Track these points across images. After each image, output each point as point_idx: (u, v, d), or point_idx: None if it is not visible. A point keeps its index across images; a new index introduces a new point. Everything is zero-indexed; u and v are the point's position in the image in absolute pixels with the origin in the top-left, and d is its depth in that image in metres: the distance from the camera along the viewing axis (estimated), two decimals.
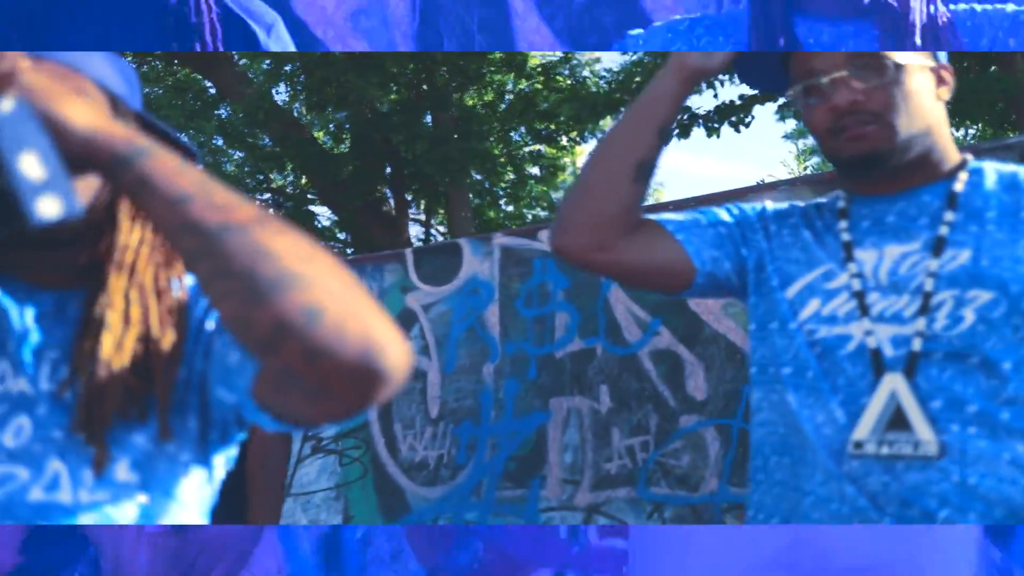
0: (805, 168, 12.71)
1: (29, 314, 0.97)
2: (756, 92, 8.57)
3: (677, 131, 8.73)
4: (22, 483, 0.92)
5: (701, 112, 8.62)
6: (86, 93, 0.96)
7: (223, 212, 0.79)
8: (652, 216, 1.50)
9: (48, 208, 0.75)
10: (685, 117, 8.80)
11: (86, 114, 0.82)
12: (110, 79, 1.00)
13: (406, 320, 4.43)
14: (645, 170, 1.42)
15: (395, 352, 0.78)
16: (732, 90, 17.08)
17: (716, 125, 8.51)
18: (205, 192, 0.81)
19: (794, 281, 1.41)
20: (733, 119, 8.53)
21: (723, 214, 1.51)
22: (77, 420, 0.94)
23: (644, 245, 1.45)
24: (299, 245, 0.80)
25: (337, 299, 0.77)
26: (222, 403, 0.99)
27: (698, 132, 8.63)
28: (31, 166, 0.75)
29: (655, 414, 3.46)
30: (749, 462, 1.45)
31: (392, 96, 9.42)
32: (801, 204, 1.50)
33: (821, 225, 1.44)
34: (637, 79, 9.03)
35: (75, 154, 0.80)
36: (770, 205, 1.52)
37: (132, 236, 0.99)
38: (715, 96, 8.64)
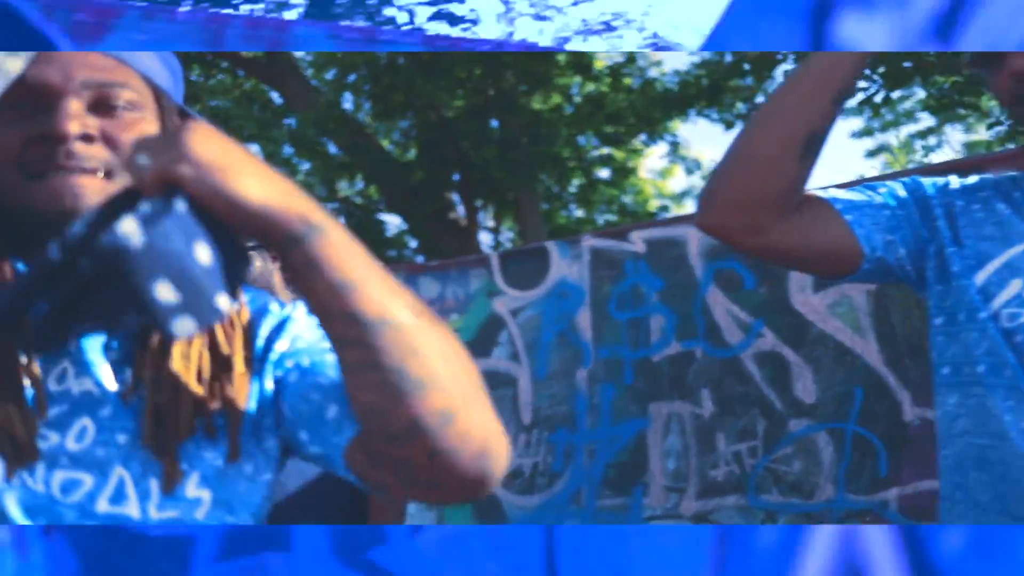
0: (908, 162, 12.27)
1: None
2: None
3: None
4: (88, 491, 0.89)
5: None
6: (131, 87, 0.94)
7: (382, 304, 0.79)
8: (819, 192, 1.38)
9: (183, 328, 0.74)
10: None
11: (260, 188, 0.78)
12: (155, 71, 0.98)
13: (494, 325, 4.35)
14: (815, 144, 1.27)
15: (504, 459, 0.84)
16: None
17: None
18: (367, 281, 0.80)
19: (988, 261, 1.24)
20: None
21: (900, 190, 1.36)
22: (145, 434, 0.90)
23: (807, 227, 1.30)
24: (444, 343, 0.82)
25: (468, 403, 0.81)
26: (301, 444, 0.95)
27: None
28: (165, 292, 0.73)
29: (762, 418, 3.33)
30: (942, 478, 1.31)
31: (458, 101, 9.38)
32: (992, 176, 1.36)
33: (1021, 196, 1.29)
34: (703, 79, 8.88)
35: (248, 229, 0.78)
36: (955, 180, 1.38)
37: None
38: None
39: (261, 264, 2.22)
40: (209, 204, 0.76)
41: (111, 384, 0.92)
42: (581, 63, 9.81)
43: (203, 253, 0.76)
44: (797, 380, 3.30)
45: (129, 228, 0.72)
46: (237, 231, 0.79)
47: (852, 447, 3.09)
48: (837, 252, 1.32)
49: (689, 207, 12.14)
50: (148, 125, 0.95)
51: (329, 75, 10.29)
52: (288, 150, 10.75)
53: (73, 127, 0.88)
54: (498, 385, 4.23)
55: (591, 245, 4.14)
